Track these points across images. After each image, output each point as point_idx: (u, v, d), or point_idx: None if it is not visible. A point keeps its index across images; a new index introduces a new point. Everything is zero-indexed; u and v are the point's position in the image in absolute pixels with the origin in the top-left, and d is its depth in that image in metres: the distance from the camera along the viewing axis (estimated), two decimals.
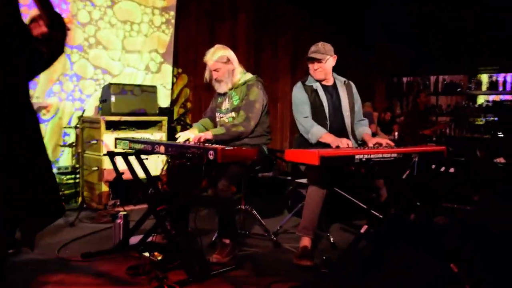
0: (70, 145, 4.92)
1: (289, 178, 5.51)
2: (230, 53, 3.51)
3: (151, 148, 3.15)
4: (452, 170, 3.39)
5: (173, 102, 5.98)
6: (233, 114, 3.49)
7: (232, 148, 2.77)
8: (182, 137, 3.35)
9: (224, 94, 3.59)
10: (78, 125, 4.66)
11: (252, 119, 3.40)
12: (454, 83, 8.98)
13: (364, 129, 3.54)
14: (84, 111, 4.60)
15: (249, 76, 3.57)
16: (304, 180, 4.64)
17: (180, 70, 6.07)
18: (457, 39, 8.32)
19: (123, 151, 3.35)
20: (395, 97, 9.57)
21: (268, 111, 3.56)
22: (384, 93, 9.53)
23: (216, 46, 3.54)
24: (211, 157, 2.72)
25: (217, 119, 3.61)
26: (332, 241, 3.67)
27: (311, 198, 3.25)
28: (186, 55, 6.10)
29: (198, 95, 6.24)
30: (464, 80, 9.06)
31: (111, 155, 3.28)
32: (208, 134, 3.26)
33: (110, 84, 4.72)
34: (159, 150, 3.08)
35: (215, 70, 3.48)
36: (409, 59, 9.03)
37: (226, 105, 3.56)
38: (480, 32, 7.96)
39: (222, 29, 6.45)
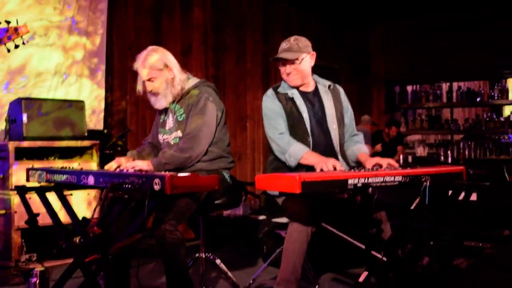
0: None
1: (263, 217, 5.49)
2: (167, 57, 3.49)
3: (76, 179, 3.08)
4: (474, 197, 3.42)
5: (109, 123, 5.91)
6: (179, 133, 3.46)
7: (185, 175, 2.72)
8: (111, 165, 3.30)
9: (167, 109, 3.57)
10: None
11: (203, 138, 3.37)
12: (472, 91, 9.18)
13: (358, 147, 3.55)
14: None
15: (194, 81, 3.56)
16: (283, 220, 4.63)
17: (116, 82, 6.02)
18: (474, 35, 8.52)
19: (38, 185, 3.27)
20: (397, 110, 9.72)
21: (225, 123, 3.55)
22: (383, 106, 9.67)
23: (150, 48, 3.51)
24: (156, 187, 2.66)
25: (161, 142, 3.58)
26: None
27: (292, 241, 3.20)
28: (124, 61, 6.06)
29: (142, 113, 6.19)
30: (485, 87, 9.28)
31: (22, 190, 3.19)
32: (146, 165, 3.20)
33: (22, 99, 4.63)
34: (87, 182, 3.01)
35: (148, 80, 3.46)
36: (414, 62, 9.22)
37: (169, 123, 3.54)
38: (504, 25, 8.17)
39: (171, 29, 6.46)
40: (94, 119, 5.67)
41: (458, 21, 8.66)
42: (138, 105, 6.14)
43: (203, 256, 3.72)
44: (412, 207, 3.03)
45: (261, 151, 7.53)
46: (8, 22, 3.44)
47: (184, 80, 3.51)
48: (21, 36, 3.45)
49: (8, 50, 3.47)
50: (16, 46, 3.47)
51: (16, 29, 3.44)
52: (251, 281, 3.92)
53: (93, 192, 4.84)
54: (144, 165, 3.17)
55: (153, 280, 4.12)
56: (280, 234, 4.56)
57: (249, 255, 4.98)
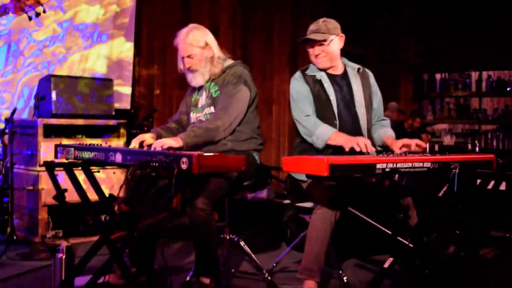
0: None
1: (287, 201, 5.49)
2: (208, 36, 3.52)
3: (104, 157, 3.09)
4: (503, 186, 3.37)
5: (136, 103, 5.95)
6: (212, 109, 3.47)
7: (212, 154, 2.72)
8: (135, 141, 3.30)
9: (201, 88, 3.57)
10: (5, 131, 4.60)
11: (232, 111, 3.36)
12: (502, 80, 9.05)
13: (385, 131, 3.52)
14: (14, 111, 4.53)
15: (230, 61, 3.57)
16: (307, 204, 4.62)
17: (144, 61, 6.05)
18: (504, 22, 8.38)
19: (66, 161, 3.29)
20: (425, 99, 9.62)
21: (256, 107, 3.55)
22: (411, 94, 9.58)
23: (191, 25, 3.55)
24: (184, 166, 2.65)
25: (192, 121, 3.58)
26: (345, 281, 3.62)
27: (316, 228, 3.19)
28: (151, 41, 6.09)
29: (169, 94, 6.22)
30: None
31: (50, 166, 3.22)
32: (176, 140, 3.16)
33: (51, 76, 4.68)
34: (114, 159, 3.02)
35: (188, 57, 3.47)
36: (443, 49, 9.10)
37: (202, 101, 3.55)
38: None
39: (199, 9, 6.46)
40: (122, 98, 5.70)
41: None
42: (165, 86, 6.17)
43: (228, 237, 3.73)
44: (439, 195, 2.99)
45: (287, 136, 7.53)
46: None
47: (222, 59, 3.52)
48: (41, 5, 3.56)
49: (30, 18, 3.58)
50: (38, 14, 3.59)
51: None
52: (274, 264, 3.93)
53: (118, 171, 4.89)
54: (173, 141, 3.12)
55: (179, 260, 4.15)
56: (304, 219, 4.54)
57: (272, 239, 4.98)
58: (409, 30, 9.51)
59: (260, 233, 5.26)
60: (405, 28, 9.56)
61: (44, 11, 3.60)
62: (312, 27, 3.46)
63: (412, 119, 8.32)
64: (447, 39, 9.00)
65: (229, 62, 3.56)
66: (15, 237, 4.48)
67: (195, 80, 3.53)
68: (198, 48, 3.44)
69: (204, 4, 6.53)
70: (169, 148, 3.05)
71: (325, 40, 3.40)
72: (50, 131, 4.67)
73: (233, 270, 3.83)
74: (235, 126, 3.42)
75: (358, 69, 3.58)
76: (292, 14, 7.55)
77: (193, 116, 3.59)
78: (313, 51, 3.46)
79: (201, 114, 3.52)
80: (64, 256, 3.38)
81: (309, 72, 3.51)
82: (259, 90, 7.15)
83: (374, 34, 9.08)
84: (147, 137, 3.33)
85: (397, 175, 2.77)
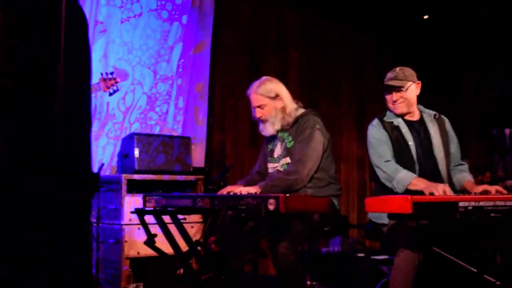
0: None
1: (362, 255, 5.50)
2: (280, 87, 3.69)
3: (191, 203, 3.26)
4: None
5: (209, 160, 6.13)
6: (288, 159, 3.60)
7: (298, 195, 2.86)
8: (223, 190, 3.46)
9: (275, 138, 3.73)
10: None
11: (308, 162, 3.47)
12: None
13: (464, 176, 3.58)
14: (102, 166, 4.76)
15: (302, 110, 3.71)
16: (381, 257, 4.65)
17: (216, 121, 6.26)
18: None
19: (155, 209, 3.47)
20: (495, 154, 9.49)
21: (331, 153, 3.65)
22: (480, 149, 9.48)
23: (264, 77, 3.75)
24: (271, 207, 2.79)
25: (270, 171, 3.72)
26: None
27: (400, 269, 3.20)
28: (223, 102, 6.32)
29: (240, 153, 6.38)
30: None
31: (141, 213, 3.40)
32: (255, 188, 3.33)
33: (134, 134, 4.94)
34: (202, 205, 3.18)
35: (258, 107, 3.65)
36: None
37: (278, 151, 3.69)
38: None
39: (268, 70, 6.68)
40: (197, 155, 5.91)
41: None
42: (237, 144, 6.35)
43: (308, 283, 3.80)
44: None
45: (355, 193, 7.53)
46: (111, 73, 4.58)
47: (294, 110, 3.67)
48: (117, 84, 4.59)
49: (110, 94, 4.62)
50: (115, 91, 4.62)
51: (114, 79, 4.56)
52: None
53: (196, 225, 5.01)
54: (252, 189, 3.31)
55: None
56: (382, 269, 4.56)
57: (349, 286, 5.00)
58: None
59: (337, 285, 5.27)
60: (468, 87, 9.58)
61: (118, 89, 4.63)
62: (389, 74, 3.61)
63: (482, 175, 8.20)
64: None
65: (301, 111, 3.70)
66: None
67: (266, 129, 3.69)
68: (268, 98, 3.62)
69: (273, 66, 6.75)
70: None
71: (402, 87, 3.53)
72: (132, 187, 4.87)
73: None
74: (311, 173, 3.53)
75: (435, 115, 3.68)
76: (356, 72, 7.69)
77: (270, 166, 3.73)
78: (390, 98, 3.58)
79: (278, 164, 3.66)
80: None
81: (386, 118, 3.62)
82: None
83: (440, 86, 9.09)
84: (234, 188, 3.48)
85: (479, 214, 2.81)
